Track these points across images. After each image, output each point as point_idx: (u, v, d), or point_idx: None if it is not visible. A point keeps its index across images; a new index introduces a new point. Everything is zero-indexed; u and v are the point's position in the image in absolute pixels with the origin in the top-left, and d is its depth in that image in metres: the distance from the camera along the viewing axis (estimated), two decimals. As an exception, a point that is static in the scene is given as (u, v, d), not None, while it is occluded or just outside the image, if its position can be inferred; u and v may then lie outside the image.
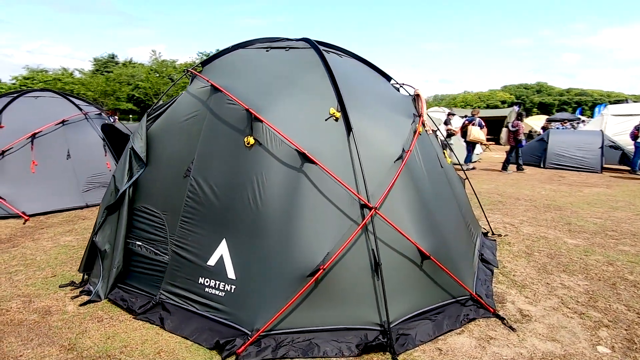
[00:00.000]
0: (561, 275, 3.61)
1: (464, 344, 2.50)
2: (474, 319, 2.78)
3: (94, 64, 36.87)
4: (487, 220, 4.99)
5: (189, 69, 3.63)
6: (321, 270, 2.45)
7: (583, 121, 23.13)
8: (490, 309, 2.88)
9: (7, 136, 5.86)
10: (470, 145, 11.71)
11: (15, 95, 6.50)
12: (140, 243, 3.15)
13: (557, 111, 49.60)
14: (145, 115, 3.46)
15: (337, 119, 2.99)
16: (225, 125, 3.05)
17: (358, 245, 2.64)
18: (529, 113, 44.38)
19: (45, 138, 6.10)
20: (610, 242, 4.58)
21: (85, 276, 3.32)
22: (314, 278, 2.45)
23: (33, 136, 5.96)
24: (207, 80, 3.28)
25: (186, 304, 2.77)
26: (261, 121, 2.85)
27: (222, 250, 2.77)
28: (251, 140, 2.87)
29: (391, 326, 2.53)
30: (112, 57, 38.56)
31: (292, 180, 2.74)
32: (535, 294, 3.22)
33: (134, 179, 3.28)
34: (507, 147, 11.68)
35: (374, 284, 2.58)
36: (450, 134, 11.70)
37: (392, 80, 4.46)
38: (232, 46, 3.89)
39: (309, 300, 2.52)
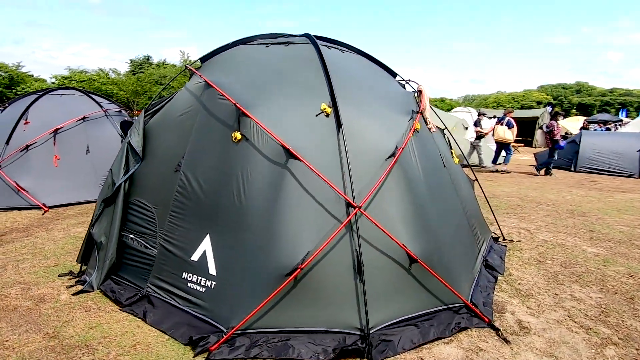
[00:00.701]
0: (573, 286, 3.33)
1: (449, 355, 2.35)
2: (465, 328, 2.61)
3: (130, 65, 38.56)
4: (498, 224, 4.72)
5: (187, 66, 3.66)
6: (299, 269, 2.37)
7: (621, 123, 21.60)
8: (486, 318, 2.69)
9: (32, 131, 6.18)
10: (498, 146, 11.03)
11: (41, 93, 6.86)
12: (132, 236, 3.20)
13: (599, 112, 46.74)
14: (143, 110, 3.51)
15: (327, 115, 2.90)
16: (216, 121, 3.04)
17: (341, 245, 2.54)
18: (567, 114, 42.10)
19: (67, 133, 6.39)
20: (635, 252, 4.20)
21: (83, 267, 3.41)
22: (291, 277, 2.37)
23: (55, 131, 6.25)
24: (200, 76, 3.29)
25: (170, 298, 2.78)
26: (248, 117, 2.81)
27: (206, 245, 2.76)
28: (238, 136, 2.84)
29: (373, 331, 2.42)
30: (147, 58, 40.13)
31: (276, 177, 2.68)
32: (540, 305, 2.99)
33: (129, 173, 3.34)
34: (539, 150, 11.06)
35: (356, 286, 2.47)
36: (479, 136, 11.12)
37: (397, 76, 4.32)
38: (233, 42, 3.88)
39: (287, 299, 2.45)
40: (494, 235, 4.54)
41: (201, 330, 2.47)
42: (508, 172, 10.56)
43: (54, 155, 6.21)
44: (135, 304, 2.83)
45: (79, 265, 3.42)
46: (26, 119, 6.30)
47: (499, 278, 3.45)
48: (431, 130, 3.67)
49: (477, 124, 11.43)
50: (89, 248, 3.37)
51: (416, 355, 2.34)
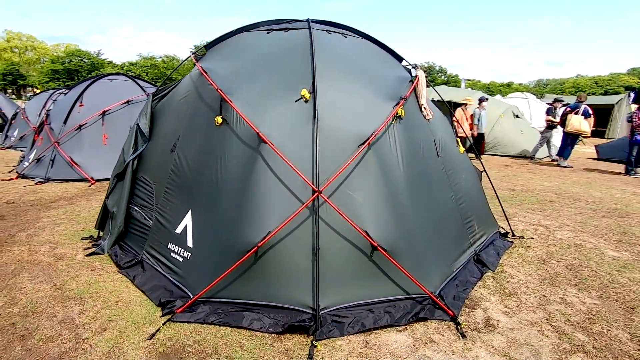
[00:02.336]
0: (568, 289, 3.09)
1: (397, 341, 2.37)
2: (425, 319, 2.59)
3: (202, 51, 41.00)
4: (507, 220, 4.43)
5: (192, 53, 3.90)
6: (256, 247, 2.52)
7: None
8: (450, 311, 2.64)
9: (85, 113, 7.00)
10: (570, 138, 9.42)
11: (95, 78, 7.68)
12: (137, 208, 3.58)
13: (702, 99, 39.81)
14: (151, 95, 3.84)
15: (307, 101, 2.96)
16: (204, 105, 3.25)
17: (303, 228, 2.64)
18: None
19: (113, 115, 7.12)
20: (667, 260, 3.72)
21: (100, 232, 3.91)
22: (249, 253, 2.53)
23: (104, 113, 7.01)
24: (196, 63, 3.51)
25: (157, 265, 3.11)
26: (227, 102, 2.98)
27: (187, 220, 3.02)
28: (219, 120, 3.02)
29: (325, 312, 2.51)
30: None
31: (249, 160, 2.83)
32: (519, 305, 2.83)
33: (138, 152, 3.71)
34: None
35: (312, 267, 2.57)
36: (551, 126, 9.97)
37: (403, 61, 4.18)
38: (237, 29, 4.04)
39: (248, 274, 2.62)
40: (503, 231, 4.29)
41: (174, 294, 2.76)
42: (571, 167, 9.29)
43: (102, 134, 6.99)
44: (130, 268, 3.21)
45: (97, 231, 3.91)
46: (81, 102, 7.14)
47: (487, 274, 3.30)
48: (427, 118, 3.55)
49: (549, 112, 10.02)
50: (105, 217, 3.85)
51: (363, 338, 2.40)
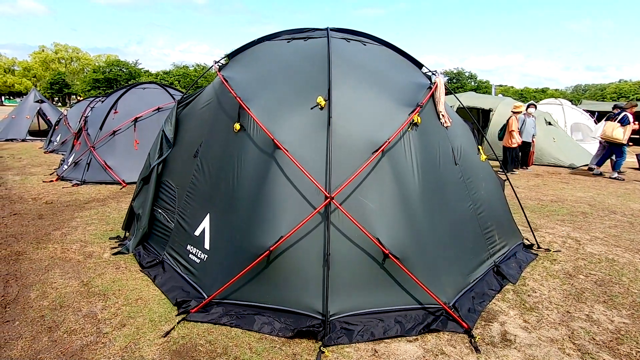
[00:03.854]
0: (595, 306, 2.92)
1: (406, 352, 2.33)
2: (437, 331, 2.53)
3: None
4: (532, 231, 4.25)
5: (215, 61, 4.05)
6: (268, 251, 2.57)
7: None
8: (464, 324, 2.56)
9: (119, 119, 7.40)
10: (606, 146, 8.88)
11: (129, 87, 8.12)
12: (160, 211, 3.74)
13: None
14: (176, 102, 4.02)
15: (322, 108, 3.00)
16: (224, 113, 3.37)
17: (315, 234, 2.66)
18: None
19: (145, 122, 7.48)
20: None
21: (127, 233, 4.10)
22: (260, 257, 2.58)
23: (135, 120, 7.38)
24: (217, 72, 3.64)
25: (176, 265, 3.22)
26: (244, 109, 3.07)
27: (205, 223, 3.12)
28: (237, 127, 3.12)
29: (334, 318, 2.51)
30: (237, 52, 43.64)
31: (264, 166, 2.90)
32: (540, 321, 2.71)
33: (163, 157, 3.89)
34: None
35: (323, 273, 2.58)
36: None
37: (423, 67, 4.15)
38: (259, 38, 4.16)
39: (260, 277, 2.67)
40: (527, 242, 4.12)
41: (190, 295, 2.85)
42: (622, 179, 8.53)
43: (134, 140, 7.35)
44: (152, 267, 3.34)
45: (124, 231, 4.11)
46: (115, 109, 7.56)
47: (507, 287, 3.18)
48: (445, 125, 3.49)
49: (609, 120, 9.10)
50: (131, 218, 4.04)
51: (372, 347, 2.38)
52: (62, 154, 10.06)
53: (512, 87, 67.17)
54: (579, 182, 8.14)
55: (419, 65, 4.16)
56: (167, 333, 2.43)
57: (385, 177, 2.85)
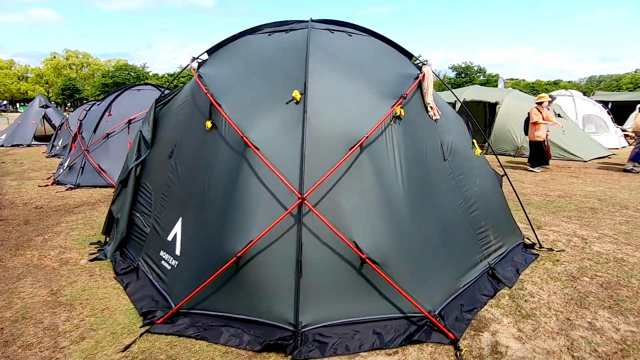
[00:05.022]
0: (600, 312, 2.66)
1: (383, 367, 2.12)
2: (420, 342, 2.31)
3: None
4: (533, 229, 3.97)
5: (194, 58, 3.89)
6: (235, 257, 2.39)
7: None
8: (450, 334, 2.34)
9: (113, 122, 7.32)
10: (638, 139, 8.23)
11: (123, 89, 8.04)
12: (138, 214, 3.60)
13: None
14: (154, 101, 3.87)
15: (297, 102, 2.80)
16: (198, 111, 3.20)
17: (287, 237, 2.47)
18: None
19: (139, 123, 7.34)
20: None
21: (107, 238, 3.98)
22: (228, 264, 2.40)
23: (129, 122, 7.29)
24: (191, 69, 3.48)
25: (150, 272, 3.07)
26: (214, 106, 2.89)
27: (177, 228, 2.96)
28: (209, 125, 2.95)
29: (307, 329, 2.32)
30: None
31: (236, 166, 2.72)
32: (536, 330, 2.47)
33: (140, 159, 3.74)
34: None
35: (296, 280, 2.39)
36: None
37: (413, 57, 3.92)
38: (241, 32, 3.98)
39: (229, 285, 2.50)
40: (528, 242, 3.84)
41: (159, 304, 2.69)
42: (637, 172, 8.02)
43: (128, 142, 7.26)
44: (126, 274, 3.20)
45: (104, 236, 3.98)
46: (109, 112, 7.48)
47: (503, 292, 2.94)
48: (433, 118, 3.26)
49: None
50: (111, 222, 3.91)
51: (346, 361, 2.17)
52: (63, 158, 10.08)
53: (524, 80, 65.73)
54: (589, 176, 7.76)
55: (409, 56, 3.93)
56: (127, 347, 2.26)
57: (365, 175, 2.64)
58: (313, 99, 2.77)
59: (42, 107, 14.70)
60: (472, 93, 12.69)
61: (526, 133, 8.97)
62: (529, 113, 8.72)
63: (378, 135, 2.76)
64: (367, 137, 2.63)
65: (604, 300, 2.82)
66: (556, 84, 54.08)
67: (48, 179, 7.67)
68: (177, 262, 2.82)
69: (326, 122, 2.74)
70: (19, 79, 61.50)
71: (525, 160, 9.59)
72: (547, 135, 8.67)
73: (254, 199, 2.58)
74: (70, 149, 8.12)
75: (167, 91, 4.08)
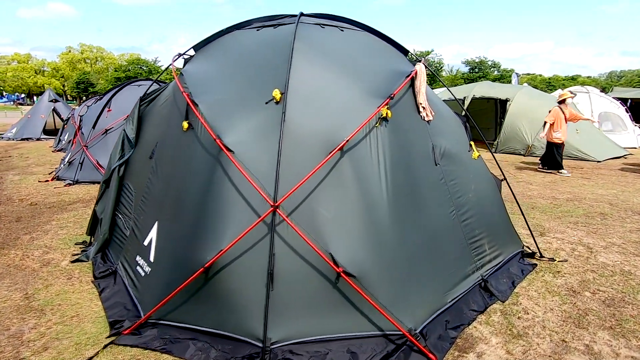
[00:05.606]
0: (599, 334, 2.45)
1: (354, 391, 1.97)
2: (398, 363, 2.15)
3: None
4: (533, 236, 3.73)
5: (180, 54, 3.76)
6: (202, 268, 2.26)
7: None
8: (431, 355, 2.17)
9: (112, 117, 7.29)
10: None
11: (123, 84, 8.00)
12: (120, 216, 3.51)
13: None
14: (139, 99, 3.76)
15: (277, 102, 2.65)
16: (177, 110, 3.07)
17: (259, 247, 2.33)
18: None
19: (138, 119, 7.32)
20: None
21: (92, 238, 3.91)
22: (196, 274, 2.28)
23: (127, 117, 7.22)
24: (172, 65, 3.34)
25: (126, 278, 2.97)
26: (190, 106, 2.76)
27: (153, 232, 2.84)
28: (185, 125, 2.82)
29: (277, 346, 2.18)
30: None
31: (210, 169, 2.58)
32: (526, 352, 2.28)
33: (124, 159, 3.64)
34: None
35: (267, 292, 2.25)
36: None
37: (409, 54, 3.71)
38: (229, 27, 3.83)
39: (198, 296, 2.37)
40: (528, 251, 3.62)
41: (130, 313, 2.59)
42: None
43: (127, 138, 7.22)
44: (103, 278, 3.11)
45: (89, 237, 3.92)
46: (109, 108, 7.45)
47: (495, 307, 2.75)
48: (426, 119, 3.06)
49: None
50: (95, 223, 3.83)
51: (315, 383, 2.03)
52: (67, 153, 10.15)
53: (540, 75, 63.93)
54: (602, 178, 7.41)
55: (405, 52, 3.71)
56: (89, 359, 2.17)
57: (345, 181, 2.47)
58: (294, 98, 2.62)
59: (52, 101, 14.87)
60: (481, 89, 12.31)
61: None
62: (550, 112, 8.09)
63: (361, 138, 2.58)
64: (347, 140, 2.45)
65: (604, 320, 2.60)
66: (574, 80, 52.44)
67: (50, 174, 7.70)
68: (150, 269, 2.72)
69: (307, 123, 2.58)
70: (35, 72, 62.77)
71: (535, 160, 9.25)
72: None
73: (227, 206, 2.44)
74: (72, 144, 8.14)
75: (154, 86, 3.96)
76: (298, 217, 2.34)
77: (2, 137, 14.11)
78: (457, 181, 3.08)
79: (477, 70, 43.47)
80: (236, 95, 2.84)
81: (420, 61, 3.50)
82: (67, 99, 56.94)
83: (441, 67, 42.56)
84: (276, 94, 2.63)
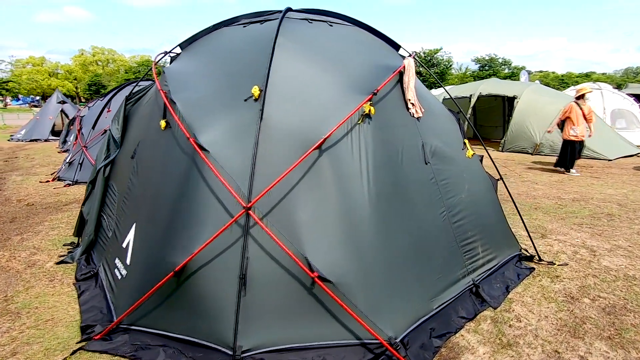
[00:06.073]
0: (596, 344, 2.28)
1: (326, 404, 1.85)
2: (376, 374, 2.03)
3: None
4: (531, 237, 3.56)
5: (166, 52, 3.69)
6: (172, 272, 2.17)
7: None
8: (411, 366, 2.04)
9: (110, 118, 7.29)
10: None
11: (123, 85, 8.01)
12: (105, 217, 3.45)
13: None
14: (125, 99, 3.70)
15: (256, 100, 2.55)
16: (157, 109, 2.99)
17: (232, 251, 2.23)
18: None
19: (137, 120, 7.34)
20: None
21: (80, 240, 3.86)
22: (166, 278, 2.19)
23: (113, 117, 7.23)
24: (154, 65, 3.28)
25: (105, 280, 2.91)
26: (166, 105, 2.68)
27: (131, 235, 2.77)
28: (163, 124, 2.74)
29: (248, 355, 2.08)
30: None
31: (185, 169, 2.50)
32: (515, 363, 2.13)
33: (109, 159, 3.59)
34: None
35: (238, 298, 2.15)
36: None
37: (400, 49, 3.58)
38: (216, 24, 3.74)
39: (171, 301, 2.29)
40: (526, 254, 3.45)
41: (105, 317, 2.52)
42: None
43: (126, 139, 7.22)
44: (84, 281, 3.06)
45: (77, 238, 3.88)
46: (108, 108, 7.46)
47: (486, 313, 2.60)
48: (415, 116, 2.92)
49: None
50: (82, 224, 3.79)
51: (286, 394, 1.92)
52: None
53: (554, 72, 62.58)
54: (612, 177, 7.13)
55: (397, 47, 3.58)
56: (56, 366, 2.10)
57: (324, 181, 2.36)
58: (274, 95, 2.52)
59: (60, 102, 15.08)
60: (488, 86, 12.03)
61: (562, 130, 7.94)
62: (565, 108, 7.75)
63: (342, 135, 2.47)
64: (325, 138, 2.34)
65: (603, 329, 2.43)
66: (588, 77, 51.16)
67: (51, 174, 7.75)
68: (126, 272, 2.64)
69: (286, 121, 2.48)
70: (49, 75, 64.04)
71: (543, 159, 8.99)
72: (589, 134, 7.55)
73: (201, 208, 2.35)
74: (74, 145, 8.19)
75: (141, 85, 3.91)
76: (273, 219, 2.24)
77: (12, 139, 14.36)
78: (449, 181, 2.94)
79: (487, 68, 42.74)
80: (215, 93, 2.75)
81: (410, 55, 3.38)
82: (80, 101, 57.93)
83: (450, 65, 41.91)
84: (255, 90, 2.54)
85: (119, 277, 2.70)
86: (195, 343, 2.18)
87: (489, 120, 13.79)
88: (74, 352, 2.19)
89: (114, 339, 2.28)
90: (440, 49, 40.65)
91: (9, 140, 14.30)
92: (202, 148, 2.40)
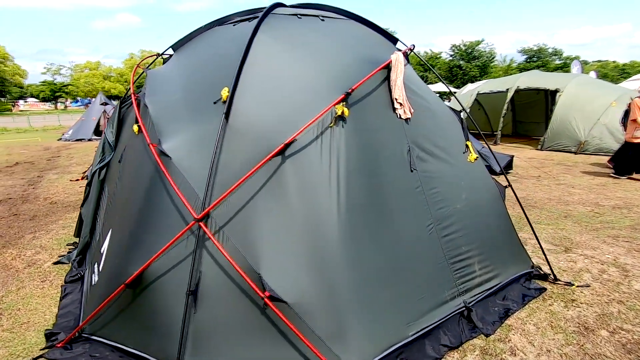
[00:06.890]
0: (604, 391, 1.90)
1: None
2: (329, 409, 1.81)
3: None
4: (544, 252, 3.11)
5: (159, 54, 3.67)
6: (123, 285, 2.09)
7: None
8: (371, 403, 1.80)
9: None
10: None
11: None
12: (98, 220, 3.50)
13: None
14: (119, 102, 3.73)
15: (225, 102, 2.41)
16: (134, 112, 2.95)
17: (185, 264, 2.11)
18: None
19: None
20: None
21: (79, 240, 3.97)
22: (118, 289, 2.12)
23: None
24: (138, 66, 3.24)
25: (86, 285, 2.92)
26: (134, 108, 2.61)
27: (107, 240, 2.75)
28: (135, 129, 2.69)
29: (195, 376, 1.94)
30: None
31: (150, 175, 2.42)
32: (497, 408, 1.81)
33: (104, 162, 3.63)
34: None
35: (184, 315, 2.02)
36: None
37: (398, 42, 3.28)
38: (209, 23, 3.66)
39: (128, 314, 2.22)
40: (539, 272, 3.02)
41: (75, 324, 2.51)
42: None
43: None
44: (71, 283, 3.10)
45: (78, 238, 3.98)
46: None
47: (475, 342, 2.28)
48: (402, 117, 2.63)
49: None
50: (81, 225, 3.88)
51: None
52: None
53: (614, 61, 57.11)
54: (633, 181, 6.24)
55: (394, 41, 3.29)
56: (13, 374, 2.10)
57: (288, 189, 2.17)
58: (244, 97, 2.38)
59: (102, 104, 16.05)
60: (528, 79, 11.10)
61: (625, 127, 7.08)
62: (629, 105, 6.78)
63: (311, 140, 2.26)
64: (286, 143, 2.14)
65: (618, 371, 2.03)
66: (633, 67, 46.05)
67: (83, 173, 8.20)
68: (97, 279, 2.62)
69: (254, 125, 2.32)
70: (104, 78, 69.05)
71: (587, 158, 8.11)
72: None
73: (160, 217, 2.26)
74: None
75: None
76: (231, 231, 2.09)
77: (61, 139, 15.50)
78: (439, 189, 2.62)
79: (535, 59, 39.78)
80: (188, 96, 2.65)
81: (410, 49, 3.09)
82: (129, 102, 61.64)
83: (492, 58, 39.50)
84: (224, 92, 2.40)
85: (92, 283, 2.69)
86: (145, 359, 2.09)
87: (530, 115, 12.76)
88: (34, 359, 2.19)
89: (74, 349, 2.25)
90: (481, 41, 38.48)
91: (58, 140, 15.45)
92: (163, 154, 2.30)
